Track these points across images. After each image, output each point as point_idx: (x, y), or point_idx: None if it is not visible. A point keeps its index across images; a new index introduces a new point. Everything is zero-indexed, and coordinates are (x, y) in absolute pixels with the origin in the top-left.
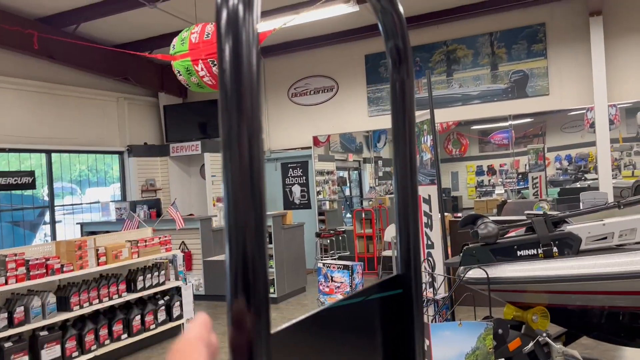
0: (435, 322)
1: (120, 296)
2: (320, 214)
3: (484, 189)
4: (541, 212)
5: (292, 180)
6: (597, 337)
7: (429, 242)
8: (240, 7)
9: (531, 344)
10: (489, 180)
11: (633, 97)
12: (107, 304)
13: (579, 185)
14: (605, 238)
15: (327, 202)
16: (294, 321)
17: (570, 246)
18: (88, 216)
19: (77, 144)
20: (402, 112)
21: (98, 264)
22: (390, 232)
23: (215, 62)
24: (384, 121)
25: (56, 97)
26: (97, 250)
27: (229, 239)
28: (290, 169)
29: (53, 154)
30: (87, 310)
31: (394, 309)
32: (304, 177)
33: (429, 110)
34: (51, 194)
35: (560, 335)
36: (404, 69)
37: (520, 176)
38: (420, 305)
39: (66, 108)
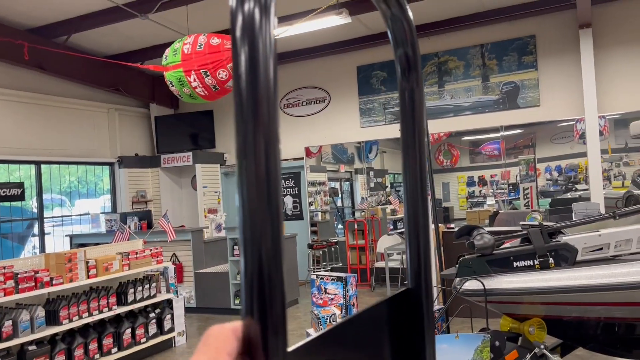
0: None
1: (110, 309)
2: (312, 225)
3: (475, 200)
4: (536, 223)
5: (284, 191)
6: (593, 348)
7: None
8: (257, 11)
9: (529, 356)
10: (480, 191)
11: (622, 108)
12: (97, 317)
13: (569, 196)
14: (601, 249)
15: (319, 213)
16: (309, 338)
17: (566, 257)
18: (78, 228)
19: (67, 155)
20: (412, 121)
21: (88, 277)
22: (383, 243)
23: (207, 73)
24: (376, 132)
25: (46, 108)
26: (87, 262)
27: (244, 254)
28: (283, 180)
29: (42, 165)
30: (76, 324)
31: (405, 323)
32: (296, 188)
33: None
34: (40, 206)
35: (556, 346)
36: (414, 77)
37: (511, 187)
38: (432, 319)
39: (56, 119)
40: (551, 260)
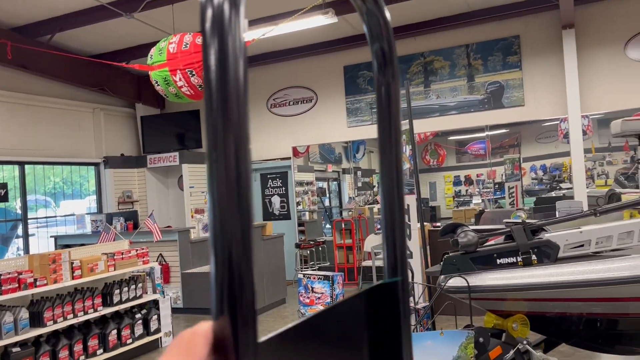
0: (417, 331)
1: (95, 310)
2: (300, 224)
3: (462, 199)
4: (519, 221)
5: (271, 191)
6: (576, 344)
7: (408, 252)
8: (226, 9)
9: (512, 352)
10: (467, 190)
11: (605, 107)
12: (82, 318)
13: (554, 195)
14: (583, 245)
15: (307, 213)
16: (281, 330)
17: (548, 254)
18: (63, 229)
19: (51, 155)
20: (388, 115)
21: (73, 278)
22: (370, 242)
23: (193, 73)
24: (363, 132)
25: (30, 108)
26: (72, 263)
27: (214, 253)
28: (270, 180)
29: (26, 166)
30: (61, 325)
31: (382, 315)
32: (283, 188)
33: (407, 120)
34: (24, 207)
35: (540, 342)
36: (390, 71)
37: (497, 186)
38: (408, 312)
39: (40, 119)
40: (534, 257)
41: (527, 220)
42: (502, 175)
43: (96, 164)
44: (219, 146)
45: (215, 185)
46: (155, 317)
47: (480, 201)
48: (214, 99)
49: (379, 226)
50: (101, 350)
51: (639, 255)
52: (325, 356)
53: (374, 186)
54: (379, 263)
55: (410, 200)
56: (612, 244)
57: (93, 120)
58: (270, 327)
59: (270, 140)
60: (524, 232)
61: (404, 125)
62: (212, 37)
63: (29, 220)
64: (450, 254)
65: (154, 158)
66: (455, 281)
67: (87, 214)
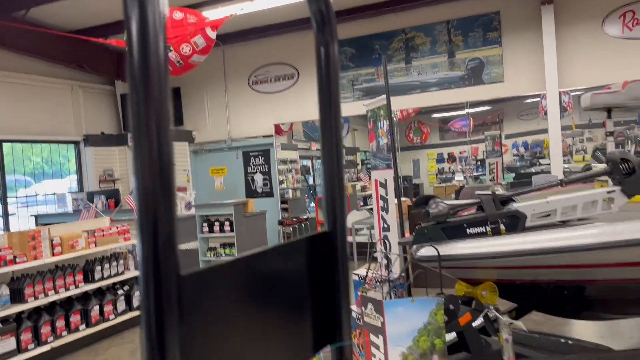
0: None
1: (77, 287)
2: (283, 202)
3: (445, 176)
4: (489, 192)
5: (254, 169)
6: (545, 310)
7: (385, 225)
8: None
9: (480, 316)
10: (449, 168)
11: (583, 83)
12: (63, 295)
13: (533, 170)
14: (549, 215)
15: (290, 191)
16: (209, 265)
17: (516, 223)
18: (43, 208)
19: (29, 133)
20: (327, 75)
21: (53, 255)
22: (352, 218)
23: (170, 48)
24: (345, 109)
25: (6, 85)
26: (52, 240)
27: (140, 230)
28: (252, 158)
29: (5, 144)
30: (42, 301)
31: (320, 261)
32: (266, 166)
33: (385, 95)
34: (3, 186)
35: (511, 310)
36: (328, 31)
37: (479, 163)
38: (346, 259)
39: (17, 97)
40: (502, 226)
41: (498, 193)
42: (483, 152)
43: (76, 143)
44: (142, 125)
45: (139, 165)
46: (137, 293)
47: (462, 178)
48: (136, 70)
49: (362, 203)
50: (84, 326)
51: (603, 224)
52: (260, 294)
53: (358, 164)
54: (360, 239)
55: (387, 175)
56: (577, 213)
57: (72, 98)
58: None
59: (251, 117)
60: (494, 203)
61: (382, 100)
62: (132, 9)
63: (8, 200)
64: (422, 225)
65: None
66: (426, 250)
67: (68, 193)
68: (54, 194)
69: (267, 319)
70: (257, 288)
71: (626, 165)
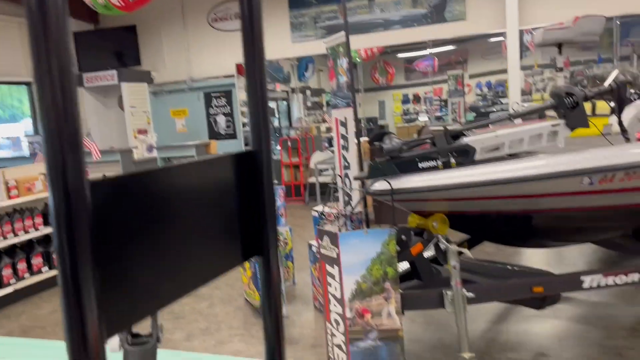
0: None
1: (37, 229)
2: (247, 144)
3: (409, 117)
4: (441, 128)
5: (216, 110)
6: (494, 240)
7: (346, 164)
8: None
9: (430, 245)
10: (414, 108)
11: (544, 20)
12: (23, 237)
13: (494, 110)
14: (498, 149)
15: None
16: (123, 173)
17: (466, 157)
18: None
19: None
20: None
21: (9, 198)
22: (315, 158)
23: None
24: (308, 48)
25: None
26: (7, 183)
27: (49, 174)
28: (214, 99)
29: None
30: (2, 244)
31: (245, 178)
32: (228, 107)
33: (344, 32)
34: None
35: (463, 242)
36: None
37: (442, 103)
38: (270, 177)
39: None
40: (452, 160)
41: (449, 127)
42: (447, 92)
43: (28, 84)
44: (43, 64)
45: (43, 108)
46: None
47: (426, 118)
48: (32, 6)
49: (327, 144)
50: (46, 268)
51: (548, 155)
52: (182, 205)
53: (323, 105)
54: (324, 179)
55: (347, 114)
56: (524, 147)
57: (20, 36)
58: None
59: (212, 57)
60: (445, 138)
61: (341, 37)
62: None
63: None
64: (377, 160)
65: (90, 77)
66: (380, 185)
67: (25, 136)
68: (8, 138)
69: (191, 229)
70: (179, 199)
71: (571, 99)
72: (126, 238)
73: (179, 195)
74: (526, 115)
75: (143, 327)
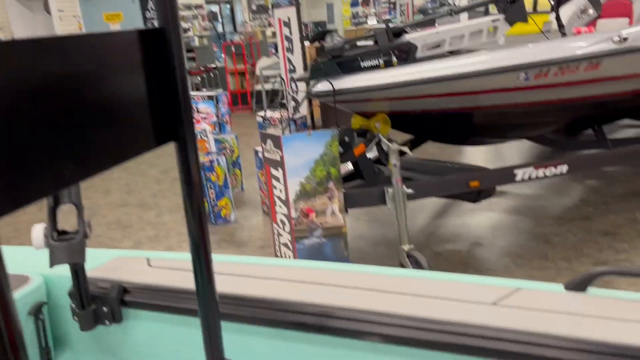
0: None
1: None
2: (189, 50)
3: (358, 20)
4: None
5: (153, 14)
6: (436, 139)
7: (291, 67)
8: None
9: (372, 145)
10: (364, 11)
11: None
12: None
13: (442, 12)
14: (439, 46)
15: (197, 39)
16: (13, 38)
17: (407, 55)
18: None
19: None
20: None
21: None
22: (261, 64)
23: None
24: None
25: None
26: None
27: None
28: (151, 2)
29: None
30: None
31: (152, 57)
32: None
33: None
34: None
35: (406, 142)
36: None
37: (392, 6)
38: (181, 56)
39: None
40: (394, 58)
41: (391, 25)
42: None
43: None
44: None
45: None
46: None
47: (375, 22)
48: None
49: (273, 50)
50: None
51: (487, 51)
52: (75, 80)
53: (269, 8)
54: (271, 87)
55: (290, 13)
56: (464, 43)
57: None
58: (152, 159)
59: None
60: (387, 35)
61: None
62: None
63: None
64: (319, 60)
65: None
66: (322, 85)
67: None
68: None
69: (94, 107)
70: (78, 73)
71: None
72: (15, 110)
73: (78, 68)
74: (467, 11)
75: (71, 224)
